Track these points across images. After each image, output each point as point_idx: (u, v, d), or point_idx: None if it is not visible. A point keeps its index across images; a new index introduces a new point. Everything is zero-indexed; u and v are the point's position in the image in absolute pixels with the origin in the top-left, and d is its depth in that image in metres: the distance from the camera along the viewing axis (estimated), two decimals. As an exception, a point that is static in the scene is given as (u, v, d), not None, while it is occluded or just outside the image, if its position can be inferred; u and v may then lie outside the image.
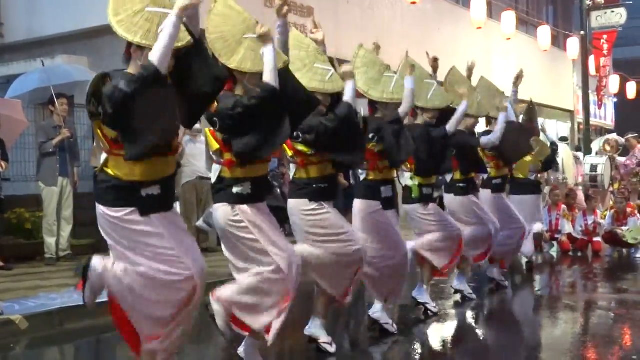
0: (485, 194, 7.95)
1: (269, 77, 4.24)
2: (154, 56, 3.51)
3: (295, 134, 4.84)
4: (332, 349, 5.17)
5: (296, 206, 5.07)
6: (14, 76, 10.73)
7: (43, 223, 9.17)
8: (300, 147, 4.96)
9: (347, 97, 4.97)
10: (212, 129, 4.41)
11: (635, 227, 11.07)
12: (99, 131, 3.70)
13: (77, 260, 9.10)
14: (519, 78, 7.93)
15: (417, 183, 6.52)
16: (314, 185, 5.01)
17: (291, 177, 5.24)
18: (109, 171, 3.72)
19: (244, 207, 4.39)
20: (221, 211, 4.43)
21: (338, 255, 5.00)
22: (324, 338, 5.19)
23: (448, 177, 7.28)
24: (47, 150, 9.03)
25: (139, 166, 3.66)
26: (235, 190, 4.39)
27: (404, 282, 6.07)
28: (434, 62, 6.74)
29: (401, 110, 5.78)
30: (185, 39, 3.74)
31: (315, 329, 5.21)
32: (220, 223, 4.46)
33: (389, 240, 5.80)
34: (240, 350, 4.63)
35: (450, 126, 6.43)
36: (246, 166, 4.39)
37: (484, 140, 7.52)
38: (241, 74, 4.37)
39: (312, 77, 5.00)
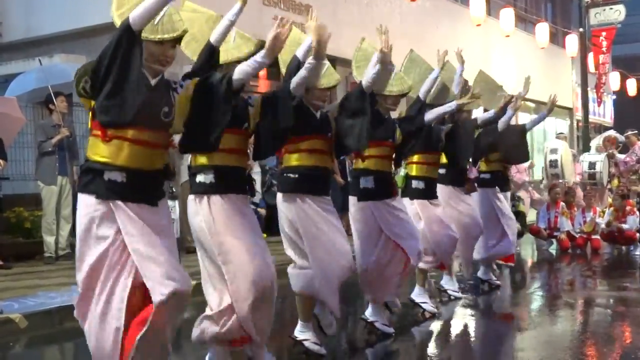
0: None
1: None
2: (133, 12, 3.48)
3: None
4: (322, 350, 5.13)
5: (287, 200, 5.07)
6: (12, 75, 10.74)
7: (42, 222, 9.17)
8: None
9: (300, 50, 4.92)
10: None
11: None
12: (90, 113, 3.68)
13: (75, 259, 9.11)
14: (526, 85, 7.88)
15: (403, 174, 6.52)
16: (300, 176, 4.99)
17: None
18: (88, 155, 3.68)
19: (213, 197, 4.23)
20: (189, 201, 4.33)
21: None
22: (312, 339, 5.15)
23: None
24: (46, 149, 9.03)
25: (111, 148, 3.59)
26: (198, 179, 4.29)
27: (398, 281, 5.90)
28: (441, 60, 6.66)
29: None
30: (180, 28, 3.71)
31: (302, 331, 5.18)
32: (189, 215, 4.38)
33: (371, 237, 5.69)
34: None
35: (429, 117, 6.16)
36: (211, 154, 4.23)
37: (482, 116, 7.33)
38: (220, 68, 4.29)
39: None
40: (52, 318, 6.28)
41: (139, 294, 3.59)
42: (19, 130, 9.49)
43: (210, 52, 4.22)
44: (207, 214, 4.21)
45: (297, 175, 4.98)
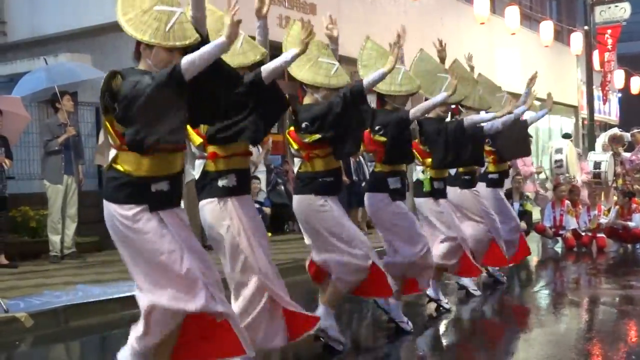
0: (480, 188, 7.95)
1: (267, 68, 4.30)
2: (185, 60, 3.51)
3: (303, 125, 4.89)
4: (340, 346, 5.15)
5: (303, 201, 5.06)
6: (17, 75, 10.76)
7: (48, 221, 9.18)
8: (307, 139, 4.93)
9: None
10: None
11: None
12: (109, 127, 3.68)
13: (81, 258, 9.14)
14: (532, 80, 7.87)
15: (429, 176, 6.50)
16: (320, 180, 4.99)
17: (295, 172, 5.20)
18: (119, 167, 3.70)
19: (230, 202, 4.35)
20: (208, 208, 4.40)
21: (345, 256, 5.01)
22: (335, 328, 5.17)
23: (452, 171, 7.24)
24: (52, 149, 9.04)
25: (147, 161, 3.66)
26: (220, 183, 4.36)
27: (425, 275, 5.97)
28: (442, 52, 6.66)
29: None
30: (193, 36, 3.73)
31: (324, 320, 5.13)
32: (207, 221, 4.43)
33: (405, 231, 5.77)
34: None
35: (414, 112, 5.97)
36: (230, 158, 4.38)
37: (487, 126, 7.37)
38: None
39: (316, 71, 5.02)
40: (57, 317, 6.29)
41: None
42: (24, 129, 9.51)
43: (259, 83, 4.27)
44: (235, 216, 4.33)
45: (332, 179, 5.05)
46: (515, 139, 7.89)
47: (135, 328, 3.76)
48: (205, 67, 3.57)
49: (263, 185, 11.82)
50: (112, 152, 3.73)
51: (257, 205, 10.57)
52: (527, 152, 8.88)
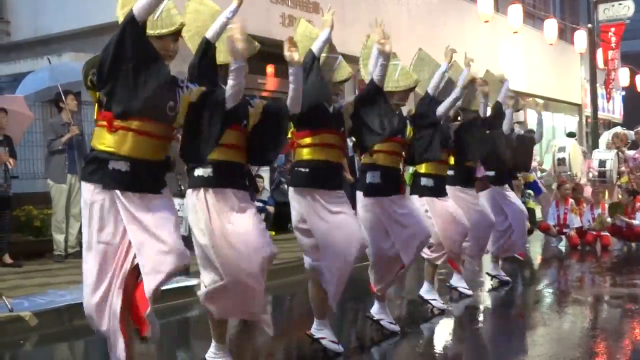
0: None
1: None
2: (136, 4, 3.56)
3: None
4: (339, 348, 5.13)
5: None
6: (20, 74, 10.75)
7: (52, 220, 9.19)
8: None
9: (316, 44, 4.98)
10: None
11: None
12: (96, 105, 3.77)
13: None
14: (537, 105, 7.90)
15: (411, 172, 6.50)
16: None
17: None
18: (93, 145, 3.76)
19: (210, 191, 4.30)
20: (188, 195, 4.40)
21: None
22: (329, 337, 5.14)
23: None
24: (56, 148, 9.05)
25: (116, 138, 3.68)
26: (196, 172, 4.34)
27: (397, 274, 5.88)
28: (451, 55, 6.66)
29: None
30: (178, 22, 3.81)
31: (319, 329, 5.16)
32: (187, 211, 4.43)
33: (376, 233, 5.63)
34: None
35: (440, 111, 6.13)
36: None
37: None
38: (223, 69, 4.31)
39: (320, 67, 5.01)
40: (61, 316, 6.30)
41: (133, 277, 3.74)
42: (27, 128, 9.52)
43: (206, 48, 4.25)
44: (204, 208, 4.27)
45: (307, 170, 4.98)
46: (519, 154, 7.95)
47: None
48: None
49: (266, 184, 11.82)
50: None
51: (260, 204, 10.60)
52: (526, 168, 8.98)
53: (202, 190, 4.30)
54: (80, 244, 9.28)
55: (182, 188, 9.56)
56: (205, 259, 4.35)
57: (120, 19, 3.70)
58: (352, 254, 4.90)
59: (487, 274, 8.20)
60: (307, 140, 4.99)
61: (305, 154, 5.01)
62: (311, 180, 4.96)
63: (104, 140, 3.70)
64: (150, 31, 3.69)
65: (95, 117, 3.79)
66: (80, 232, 9.24)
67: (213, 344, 4.58)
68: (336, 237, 4.88)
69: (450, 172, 6.87)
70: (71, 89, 9.31)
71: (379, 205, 5.59)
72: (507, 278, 8.13)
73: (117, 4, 3.78)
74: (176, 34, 3.80)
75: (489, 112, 7.23)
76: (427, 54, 6.70)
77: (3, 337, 5.80)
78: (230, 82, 4.04)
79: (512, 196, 8.21)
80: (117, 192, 3.67)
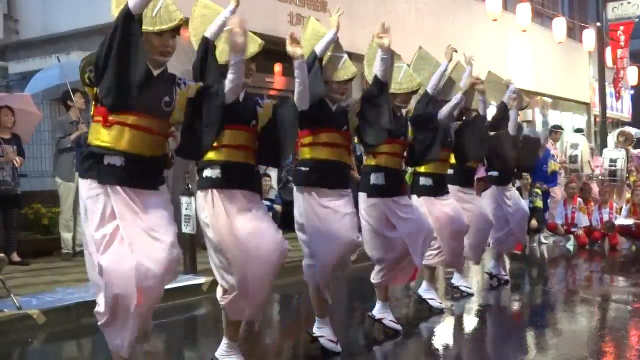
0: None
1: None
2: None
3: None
4: (337, 348, 5.12)
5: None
6: (29, 73, 10.79)
7: (60, 219, 9.22)
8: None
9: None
10: None
11: None
12: (94, 102, 3.77)
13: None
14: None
15: (410, 171, 6.49)
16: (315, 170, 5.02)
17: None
18: (89, 141, 3.77)
19: (217, 192, 4.29)
20: (198, 198, 4.40)
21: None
22: (329, 336, 5.14)
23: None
24: (64, 146, 9.07)
25: (112, 133, 3.68)
26: (205, 174, 4.34)
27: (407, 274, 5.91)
28: (451, 54, 6.68)
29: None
30: (178, 18, 3.80)
31: (319, 328, 5.17)
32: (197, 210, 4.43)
33: (381, 234, 5.66)
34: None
35: (441, 116, 6.17)
36: (218, 150, 4.30)
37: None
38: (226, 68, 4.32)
39: (325, 66, 5.03)
40: (70, 314, 6.32)
41: None
42: (36, 126, 9.54)
43: (205, 47, 4.27)
44: (211, 209, 4.27)
45: (308, 169, 5.01)
46: (525, 155, 7.94)
47: None
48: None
49: (274, 183, 11.82)
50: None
51: (268, 203, 10.59)
52: (530, 169, 8.99)
53: (210, 191, 4.30)
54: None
55: (190, 187, 9.59)
56: (218, 260, 4.34)
57: (115, 16, 3.70)
58: (339, 252, 4.94)
59: (488, 273, 8.18)
60: (309, 139, 5.02)
61: (307, 153, 5.04)
62: (311, 179, 4.99)
63: (99, 136, 3.70)
64: (149, 28, 3.71)
65: (92, 114, 3.80)
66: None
67: (225, 341, 4.58)
68: (325, 233, 4.90)
69: (450, 171, 6.87)
70: (80, 88, 9.34)
71: (383, 204, 5.62)
72: (507, 278, 8.11)
73: (112, 3, 3.79)
74: (175, 30, 3.80)
75: (488, 110, 7.20)
76: (428, 53, 6.69)
77: (12, 335, 5.83)
78: (230, 76, 4.02)
79: (515, 196, 8.21)
80: (113, 187, 3.65)
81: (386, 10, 14.95)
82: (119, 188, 3.66)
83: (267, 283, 4.29)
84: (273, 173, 11.81)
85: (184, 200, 7.88)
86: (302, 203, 5.01)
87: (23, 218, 9.51)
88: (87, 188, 3.70)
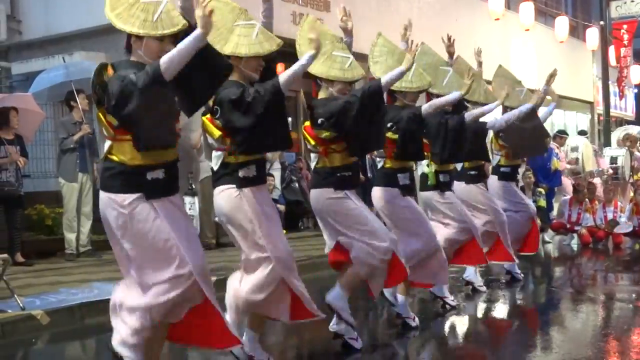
0: (492, 181, 7.97)
1: (284, 77, 4.32)
2: (164, 60, 3.55)
3: (319, 121, 4.89)
4: (357, 344, 5.14)
5: (321, 195, 5.04)
6: (32, 73, 10.79)
7: (63, 219, 9.23)
8: (324, 134, 4.94)
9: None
10: (209, 116, 4.40)
11: None
12: (102, 118, 3.74)
13: (97, 256, 9.16)
14: (552, 77, 7.85)
15: (433, 170, 6.49)
16: (338, 174, 5.00)
17: (312, 167, 5.19)
18: (114, 157, 3.74)
19: (248, 191, 4.37)
20: (225, 194, 4.40)
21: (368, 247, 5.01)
22: (349, 334, 5.15)
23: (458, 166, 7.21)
24: (67, 147, 9.08)
25: (144, 152, 3.71)
26: (241, 174, 4.37)
27: (438, 269, 6.03)
28: (450, 47, 6.72)
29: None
30: (180, 23, 3.77)
31: (339, 325, 5.17)
32: (223, 207, 4.42)
33: (413, 224, 5.81)
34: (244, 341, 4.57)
35: (426, 108, 5.98)
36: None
37: (490, 122, 7.41)
38: (237, 60, 4.35)
39: (331, 65, 5.02)
40: (73, 314, 6.32)
41: None
42: (39, 126, 9.54)
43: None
44: (253, 204, 4.34)
45: (350, 173, 5.06)
46: (530, 137, 7.86)
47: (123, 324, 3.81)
48: (187, 60, 3.60)
49: (277, 183, 11.81)
50: (107, 144, 3.77)
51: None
52: (541, 151, 8.90)
53: (248, 189, 4.37)
54: (91, 242, 9.34)
55: (193, 187, 9.61)
56: (248, 258, 4.40)
57: (112, 20, 3.69)
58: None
59: (504, 269, 8.15)
60: (336, 146, 5.02)
61: (342, 158, 5.05)
62: (347, 183, 5.08)
63: (130, 155, 3.70)
64: (151, 32, 3.68)
65: (108, 133, 3.76)
66: (91, 231, 9.33)
67: (247, 330, 4.59)
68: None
69: (472, 172, 7.28)
70: (83, 88, 9.34)
71: (409, 203, 5.85)
72: (521, 276, 8.09)
73: (106, 8, 3.73)
74: (176, 36, 3.76)
75: (491, 106, 7.19)
76: (430, 48, 6.69)
77: (15, 335, 5.82)
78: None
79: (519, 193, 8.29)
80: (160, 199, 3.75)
81: (389, 9, 14.95)
82: (163, 200, 3.76)
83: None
84: (277, 173, 11.81)
85: (187, 200, 7.88)
86: (346, 202, 5.04)
87: (26, 218, 9.52)
88: (127, 202, 3.70)
